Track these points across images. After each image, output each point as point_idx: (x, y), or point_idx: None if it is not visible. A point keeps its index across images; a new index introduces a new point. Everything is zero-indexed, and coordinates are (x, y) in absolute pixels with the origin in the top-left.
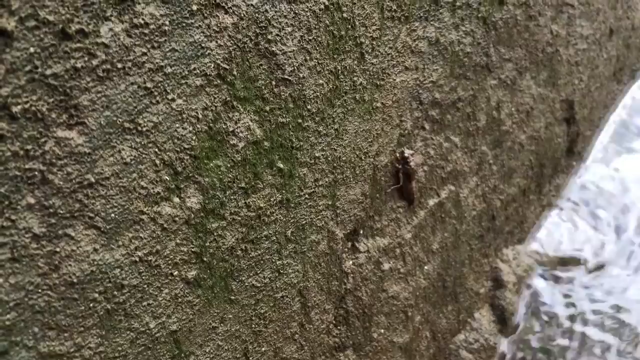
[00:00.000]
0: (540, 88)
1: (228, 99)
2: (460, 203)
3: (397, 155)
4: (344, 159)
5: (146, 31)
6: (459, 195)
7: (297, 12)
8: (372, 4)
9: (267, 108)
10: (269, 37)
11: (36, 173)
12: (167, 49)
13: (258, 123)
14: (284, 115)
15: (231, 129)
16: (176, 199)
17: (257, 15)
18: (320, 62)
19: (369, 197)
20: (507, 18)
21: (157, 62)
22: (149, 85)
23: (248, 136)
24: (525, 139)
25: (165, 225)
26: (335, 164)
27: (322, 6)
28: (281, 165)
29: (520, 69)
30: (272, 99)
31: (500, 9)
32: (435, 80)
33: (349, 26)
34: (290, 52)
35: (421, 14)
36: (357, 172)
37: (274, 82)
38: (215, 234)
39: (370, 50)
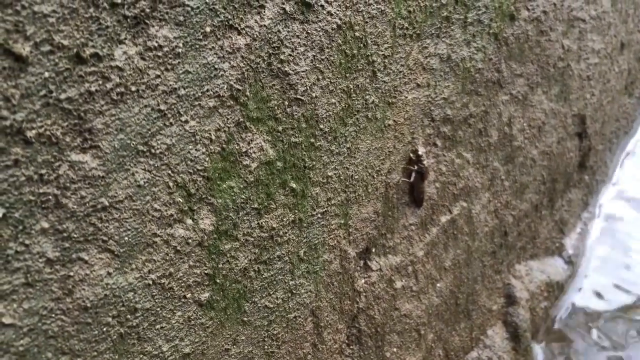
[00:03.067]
0: (552, 103)
1: (241, 119)
2: (472, 219)
3: (411, 153)
4: (356, 177)
5: (160, 54)
6: (471, 211)
7: (309, 32)
8: (384, 22)
9: (280, 128)
10: (282, 57)
11: (50, 197)
12: (181, 71)
13: (271, 143)
14: (297, 135)
15: (244, 150)
16: (189, 221)
17: (269, 35)
18: (332, 81)
19: (381, 215)
20: (519, 33)
21: (170, 84)
22: (162, 107)
23: (261, 157)
24: (537, 154)
25: (178, 248)
26: (347, 183)
27: (335, 25)
28: (294, 185)
29: (531, 84)
30: (284, 119)
31: (512, 24)
32: (447, 96)
33: (361, 45)
34: (302, 72)
35: (433, 31)
36: (369, 190)
37: (286, 102)
38: (228, 255)
39: (382, 68)
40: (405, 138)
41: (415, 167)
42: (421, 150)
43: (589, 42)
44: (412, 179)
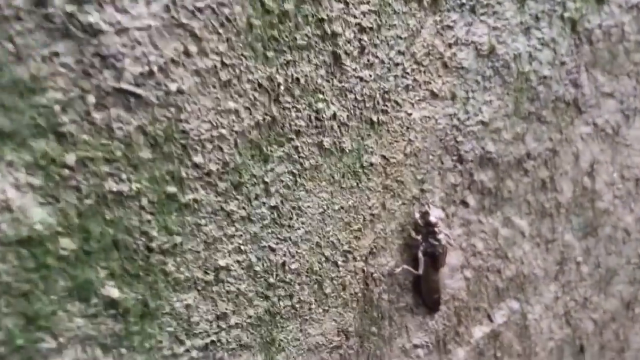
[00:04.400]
0: None
1: None
2: (527, 330)
3: (417, 216)
4: (294, 266)
5: None
6: (525, 316)
7: None
8: None
9: None
10: None
11: None
12: None
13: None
14: None
15: None
16: None
17: None
18: (248, 68)
19: (353, 334)
20: (610, 26)
21: None
22: None
23: None
24: (632, 222)
25: None
26: (270, 279)
27: None
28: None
29: (627, 111)
30: None
31: (599, 9)
32: (489, 120)
33: None
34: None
35: (463, 1)
36: (328, 289)
37: None
38: None
39: (353, 51)
40: (406, 190)
41: (424, 244)
42: (436, 214)
43: None
44: (419, 266)
